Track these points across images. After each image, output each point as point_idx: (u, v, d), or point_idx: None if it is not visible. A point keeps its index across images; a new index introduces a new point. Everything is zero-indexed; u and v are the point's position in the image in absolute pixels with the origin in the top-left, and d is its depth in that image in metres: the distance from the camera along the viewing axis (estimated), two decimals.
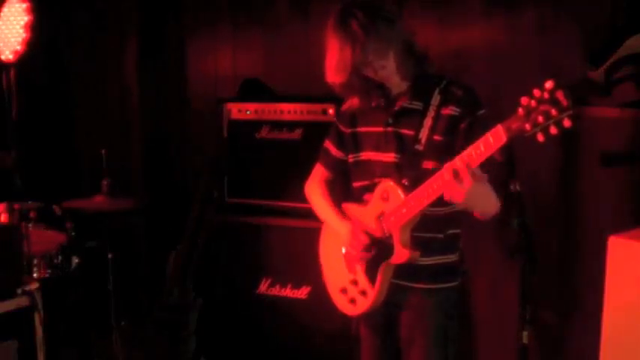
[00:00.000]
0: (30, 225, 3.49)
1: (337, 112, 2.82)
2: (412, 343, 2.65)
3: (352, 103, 2.69)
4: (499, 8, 3.66)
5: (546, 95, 1.93)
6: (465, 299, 3.75)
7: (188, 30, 4.73)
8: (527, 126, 1.97)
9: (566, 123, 1.91)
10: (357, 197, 2.75)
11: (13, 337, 2.82)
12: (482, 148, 2.14)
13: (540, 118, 1.94)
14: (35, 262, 3.53)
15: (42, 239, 3.64)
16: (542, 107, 1.93)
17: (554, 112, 1.91)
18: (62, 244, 3.71)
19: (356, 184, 2.75)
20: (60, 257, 3.67)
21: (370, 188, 2.68)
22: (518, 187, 3.01)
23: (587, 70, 3.20)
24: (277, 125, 3.89)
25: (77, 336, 4.02)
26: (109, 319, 3.94)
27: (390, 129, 2.58)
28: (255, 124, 3.94)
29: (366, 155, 2.67)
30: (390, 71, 2.48)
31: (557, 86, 1.91)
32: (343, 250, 2.74)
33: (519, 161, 2.94)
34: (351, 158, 2.74)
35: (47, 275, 3.58)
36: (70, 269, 3.75)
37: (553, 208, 3.45)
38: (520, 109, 1.99)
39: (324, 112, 3.73)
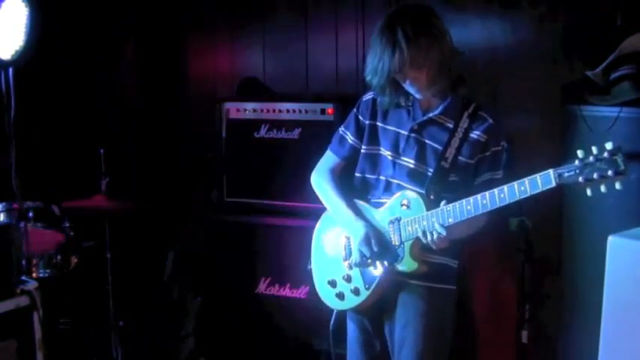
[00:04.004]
0: (29, 225, 3.48)
1: (358, 102, 2.83)
2: (404, 342, 2.65)
3: (376, 95, 2.73)
4: (498, 7, 3.66)
5: (605, 155, 2.02)
6: (465, 304, 3.76)
7: (187, 29, 4.73)
8: (581, 179, 2.06)
9: (618, 185, 2.02)
10: (357, 187, 2.75)
11: (12, 337, 2.80)
12: (527, 187, 2.19)
13: (595, 175, 2.03)
14: (34, 261, 3.53)
15: (41, 239, 3.64)
16: (599, 165, 2.03)
17: (610, 173, 2.01)
18: (61, 243, 3.71)
19: (362, 175, 2.75)
20: (59, 257, 3.66)
21: (373, 183, 2.69)
22: None
23: (586, 69, 3.21)
24: (276, 125, 3.89)
25: (76, 336, 4.01)
26: (107, 319, 3.94)
27: (413, 135, 2.60)
28: (253, 124, 3.94)
29: (383, 151, 2.68)
30: (421, 84, 2.52)
31: (616, 149, 2.01)
32: (343, 243, 2.74)
33: (518, 160, 2.94)
34: (364, 149, 2.75)
35: (46, 275, 3.58)
36: (69, 269, 3.74)
37: (552, 208, 3.45)
38: (577, 161, 2.07)
39: (323, 111, 3.73)
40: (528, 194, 2.19)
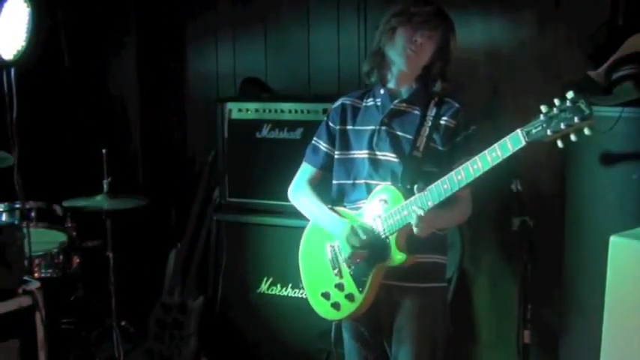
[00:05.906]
0: (31, 224, 3.49)
1: (328, 111, 2.85)
2: (400, 344, 2.64)
3: (345, 101, 2.75)
4: (499, 7, 3.66)
5: (568, 103, 1.99)
6: (461, 300, 3.77)
7: (188, 29, 4.73)
8: (549, 132, 2.04)
9: (587, 131, 1.99)
10: (337, 195, 2.74)
11: (14, 337, 2.81)
12: (498, 152, 2.18)
13: (562, 125, 2.00)
14: (36, 261, 3.54)
15: (43, 239, 3.65)
16: (564, 115, 2.00)
17: (576, 119, 1.98)
18: (63, 243, 3.72)
19: (338, 182, 2.74)
20: (61, 257, 3.68)
21: (350, 188, 2.68)
22: (519, 187, 3.02)
23: (588, 69, 3.20)
24: (278, 125, 3.89)
25: (78, 335, 4.02)
26: (109, 319, 3.95)
27: (383, 127, 2.60)
28: (255, 124, 3.95)
29: (357, 154, 2.67)
30: (412, 57, 2.55)
31: (579, 96, 1.98)
32: (329, 253, 2.71)
33: (520, 161, 2.94)
34: (337, 155, 2.74)
35: (48, 275, 3.59)
36: (71, 269, 3.76)
37: (554, 208, 3.45)
38: (542, 116, 2.05)
39: (325, 111, 3.73)
40: (501, 159, 2.17)
